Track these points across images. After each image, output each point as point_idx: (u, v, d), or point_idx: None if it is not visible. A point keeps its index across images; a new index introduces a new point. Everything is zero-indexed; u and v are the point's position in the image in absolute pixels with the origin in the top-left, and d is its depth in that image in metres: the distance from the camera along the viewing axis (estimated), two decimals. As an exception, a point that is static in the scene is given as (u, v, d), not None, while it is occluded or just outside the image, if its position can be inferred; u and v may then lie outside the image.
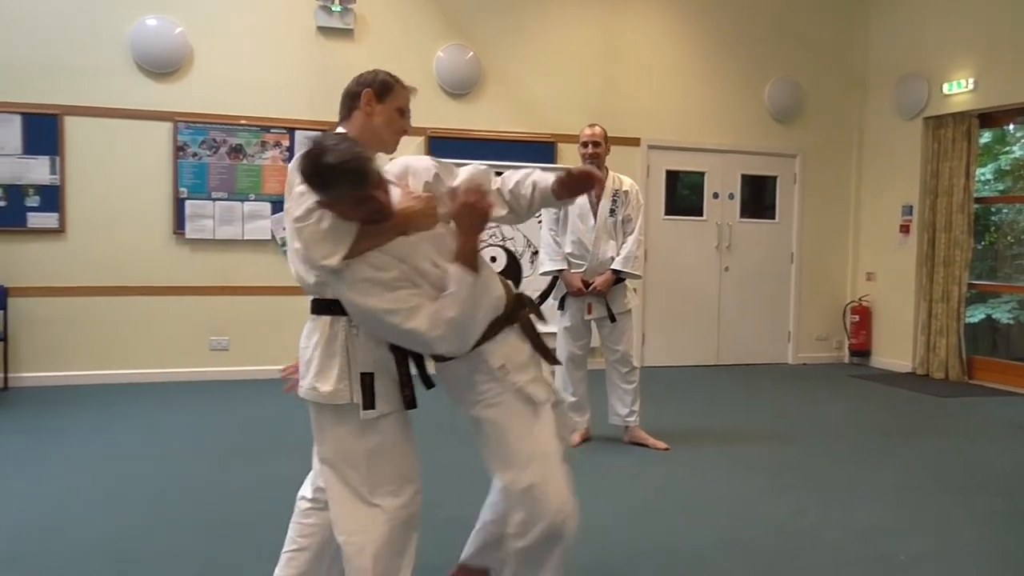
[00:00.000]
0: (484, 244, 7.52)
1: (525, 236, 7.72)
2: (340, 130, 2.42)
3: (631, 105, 8.04)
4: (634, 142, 8.03)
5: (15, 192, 6.54)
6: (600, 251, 4.93)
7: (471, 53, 7.58)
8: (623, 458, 4.79)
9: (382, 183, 2.16)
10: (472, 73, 7.60)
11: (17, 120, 6.51)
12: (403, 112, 2.51)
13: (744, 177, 8.57)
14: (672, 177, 8.40)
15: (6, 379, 6.48)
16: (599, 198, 4.96)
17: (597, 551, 3.33)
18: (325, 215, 2.12)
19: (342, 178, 2.05)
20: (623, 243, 4.95)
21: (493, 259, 7.66)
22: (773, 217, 8.71)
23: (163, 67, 6.79)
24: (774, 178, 8.70)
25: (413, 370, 2.40)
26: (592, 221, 4.95)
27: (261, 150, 7.04)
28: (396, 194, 2.22)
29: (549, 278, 5.39)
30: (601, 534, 3.53)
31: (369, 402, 2.29)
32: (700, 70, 8.33)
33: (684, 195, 8.55)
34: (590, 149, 4.93)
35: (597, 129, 4.96)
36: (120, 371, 6.77)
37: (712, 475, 4.48)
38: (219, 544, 3.35)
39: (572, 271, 4.98)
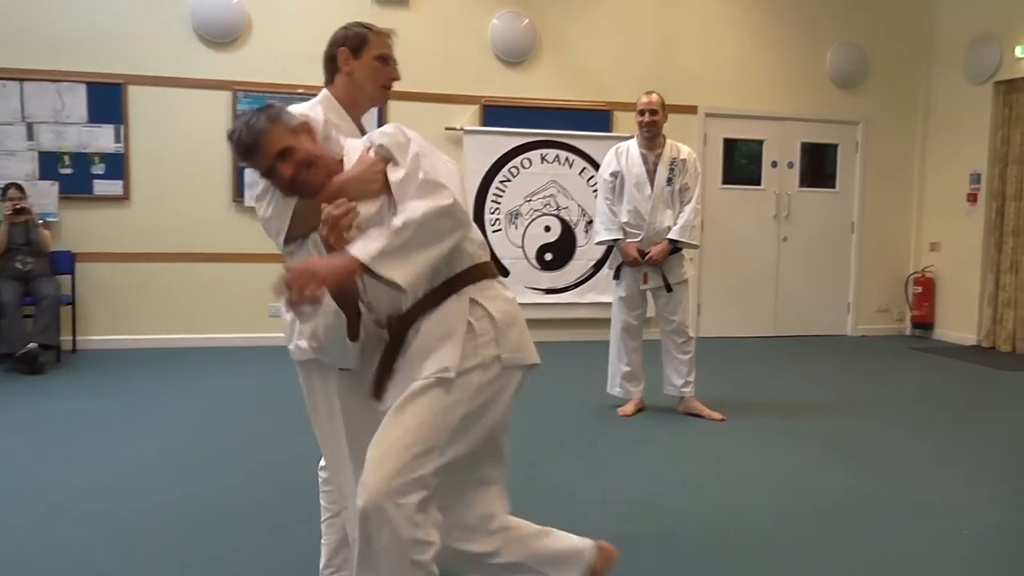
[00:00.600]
0: (538, 214, 7.55)
1: (580, 205, 7.68)
2: (324, 93, 2.39)
3: (688, 72, 7.90)
4: (691, 110, 7.90)
5: (81, 160, 6.70)
6: (657, 220, 4.88)
7: (526, 20, 7.51)
8: (678, 429, 4.78)
9: (302, 156, 2.00)
10: (527, 40, 7.53)
11: (82, 89, 6.65)
12: (386, 59, 2.42)
13: (804, 145, 8.39)
14: (730, 145, 8.26)
15: (74, 342, 6.68)
16: (656, 166, 4.91)
17: (650, 522, 3.34)
18: (275, 191, 2.08)
19: (239, 152, 2.03)
20: (680, 212, 4.89)
21: (547, 228, 7.64)
22: (833, 186, 8.52)
23: (222, 36, 6.86)
24: (835, 146, 8.50)
25: None
26: (649, 190, 4.90)
27: (318, 119, 7.08)
28: (350, 163, 2.10)
29: (603, 248, 5.38)
30: (654, 505, 3.53)
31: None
32: (760, 35, 8.14)
33: (742, 164, 8.41)
34: (647, 117, 4.87)
35: (654, 97, 4.90)
36: (182, 335, 6.93)
37: (768, 447, 4.44)
38: (276, 505, 3.42)
39: (628, 241, 4.95)
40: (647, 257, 4.88)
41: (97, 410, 4.95)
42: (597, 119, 7.71)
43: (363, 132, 2.38)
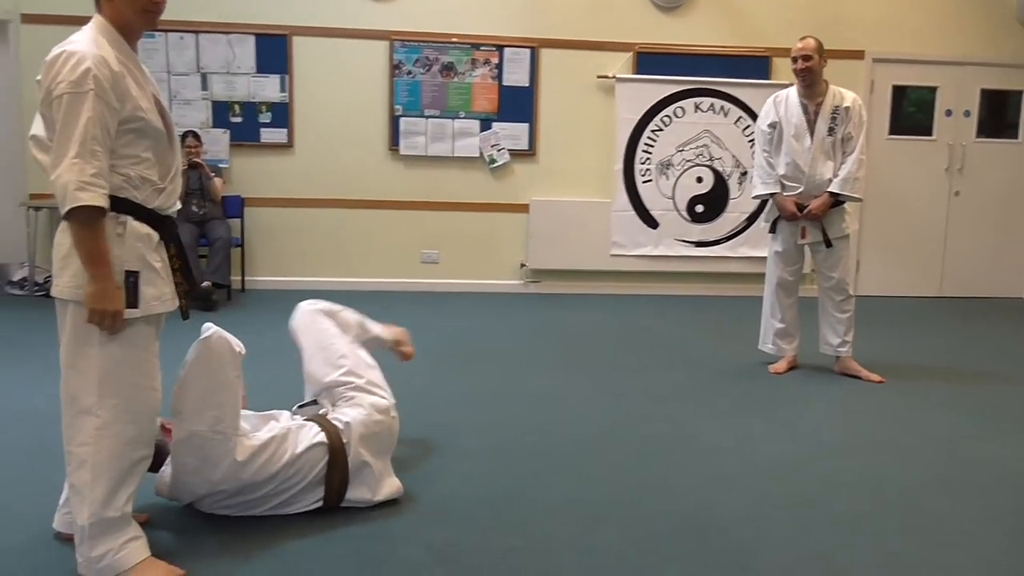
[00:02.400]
0: (690, 164, 7.39)
1: (734, 156, 7.45)
2: (90, 27, 2.31)
3: (855, 14, 7.45)
4: (857, 55, 7.46)
5: (249, 109, 7.05)
6: (816, 172, 4.68)
7: (684, -37, 7.28)
8: (832, 388, 4.62)
9: None
10: (685, -16, 7.31)
11: (251, 40, 6.96)
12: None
13: (983, 92, 7.79)
14: (899, 93, 7.76)
15: (243, 281, 7.10)
16: (817, 115, 4.69)
17: (795, 483, 3.26)
18: None
19: None
20: (842, 163, 4.67)
21: (699, 179, 7.47)
22: (1015, 136, 7.88)
23: (381, -13, 7.01)
24: (1019, 93, 7.84)
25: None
26: (808, 141, 4.69)
27: (471, 68, 7.16)
28: None
29: (758, 201, 5.22)
30: (805, 464, 3.45)
31: (132, 300, 2.22)
32: (939, -27, 7.57)
33: (910, 113, 7.90)
34: (800, 64, 4.65)
35: (809, 41, 4.66)
36: (339, 279, 7.23)
37: (927, 412, 4.23)
38: (428, 446, 3.55)
39: (786, 194, 4.77)
40: (806, 211, 4.70)
41: (263, 345, 5.25)
42: (755, 66, 7.41)
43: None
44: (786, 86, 5.00)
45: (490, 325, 6.08)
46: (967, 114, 7.76)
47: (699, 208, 7.50)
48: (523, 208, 7.32)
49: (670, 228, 7.46)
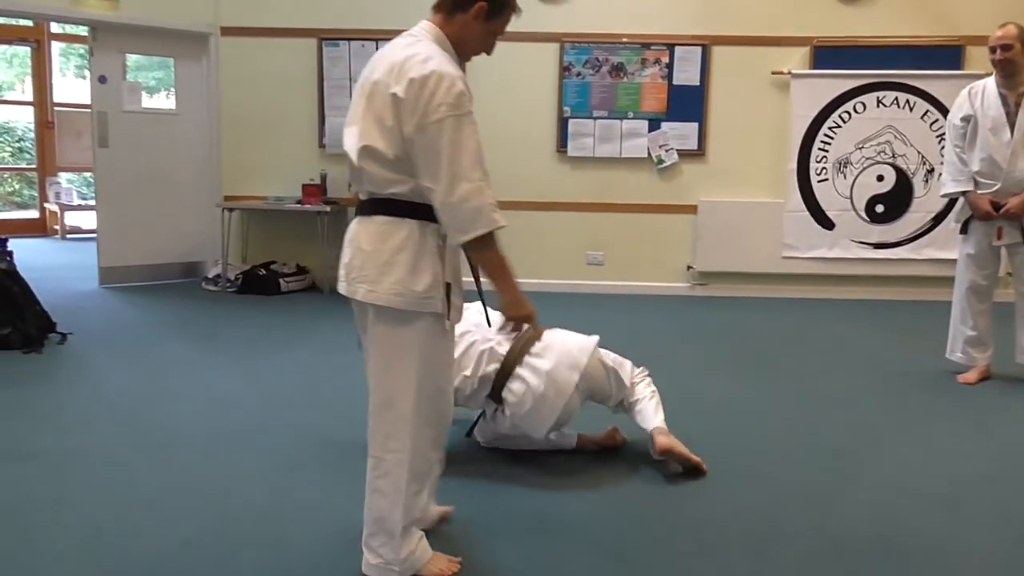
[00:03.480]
0: (870, 162, 7.03)
1: (920, 152, 7.03)
2: (429, 24, 2.38)
3: (1063, -3, 6.87)
4: (1064, 41, 6.87)
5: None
6: (1016, 169, 4.35)
7: (867, -50, 6.94)
8: (1031, 402, 4.29)
9: None
10: (867, -27, 6.96)
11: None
12: (497, 35, 2.42)
13: None
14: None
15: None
16: (1018, 108, 4.36)
17: (990, 500, 3.05)
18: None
19: None
20: (1047, 158, 4.32)
21: (880, 177, 7.10)
22: None
23: (552, -10, 7.08)
24: None
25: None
26: (1008, 135, 4.37)
27: (641, 68, 7.12)
28: None
29: (945, 200, 4.91)
30: (997, 482, 3.21)
31: (450, 313, 2.28)
32: None
33: None
34: (998, 54, 4.34)
35: (1009, 29, 4.33)
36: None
37: None
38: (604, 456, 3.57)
39: (980, 192, 4.46)
40: (1003, 210, 4.38)
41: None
42: (945, 56, 6.96)
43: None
44: (981, 76, 4.69)
45: (658, 327, 6.02)
46: None
47: (879, 208, 7.13)
48: (691, 209, 7.20)
49: (847, 229, 7.13)
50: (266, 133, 7.38)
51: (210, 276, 7.29)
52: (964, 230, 4.62)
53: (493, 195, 2.20)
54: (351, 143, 2.27)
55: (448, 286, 2.27)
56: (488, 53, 2.44)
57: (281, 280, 7.06)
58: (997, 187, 4.42)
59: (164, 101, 7.64)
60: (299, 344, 5.33)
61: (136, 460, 3.29)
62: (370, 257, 2.24)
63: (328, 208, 6.97)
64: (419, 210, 2.22)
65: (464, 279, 2.40)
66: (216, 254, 7.34)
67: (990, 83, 4.48)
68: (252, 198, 7.34)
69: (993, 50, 4.38)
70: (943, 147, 4.87)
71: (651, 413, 3.28)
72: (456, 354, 2.88)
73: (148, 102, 7.57)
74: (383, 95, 2.20)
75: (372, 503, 2.34)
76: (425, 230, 2.23)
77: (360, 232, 2.29)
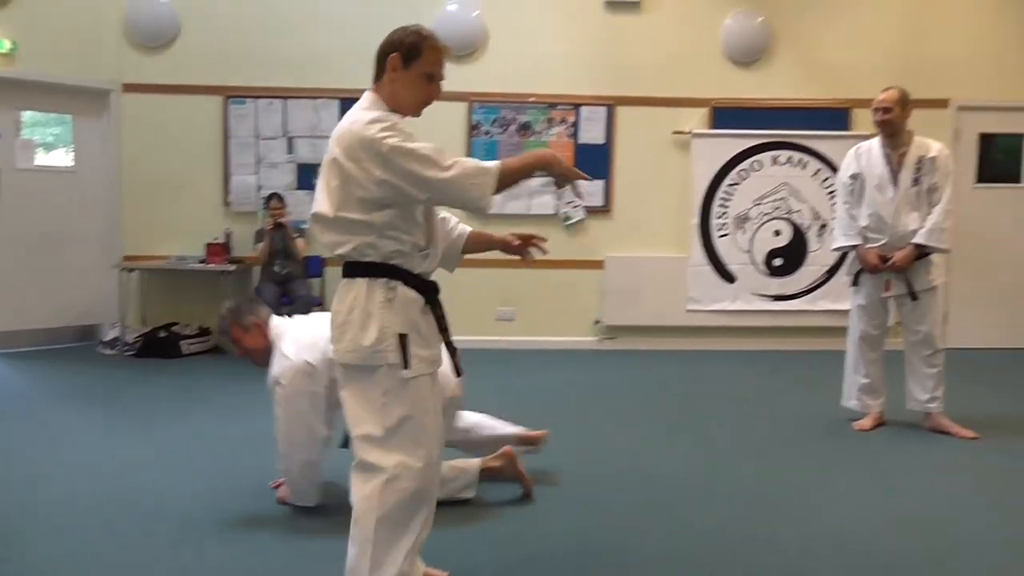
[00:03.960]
0: (768, 217, 7.30)
1: (813, 208, 7.35)
2: (367, 93, 2.41)
3: (939, 62, 7.33)
4: (941, 104, 7.32)
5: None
6: (900, 224, 4.58)
7: (760, 18, 7.29)
8: (923, 445, 4.45)
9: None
10: (761, 39, 7.31)
11: (335, 105, 7.20)
12: (432, 78, 2.39)
13: (1075, 138, 7.55)
14: (986, 141, 7.57)
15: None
16: (900, 166, 4.61)
17: (895, 545, 3.14)
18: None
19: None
20: (928, 214, 4.56)
21: (777, 232, 7.37)
22: (1110, 183, 7.60)
23: (462, 49, 7.17)
24: (1113, 138, 7.58)
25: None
26: (891, 192, 4.61)
27: (548, 126, 7.27)
28: None
29: (838, 254, 5.13)
30: (898, 527, 3.31)
31: (406, 363, 2.28)
32: (1022, 15, 7.41)
33: (998, 160, 7.68)
34: (880, 116, 4.60)
35: (890, 93, 4.60)
36: (419, 336, 7.29)
37: (1029, 472, 4.04)
38: (511, 506, 3.54)
39: (868, 246, 4.68)
40: (889, 263, 4.59)
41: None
42: (834, 117, 7.34)
43: None
44: (867, 137, 4.95)
45: (568, 381, 6.06)
46: (1058, 162, 7.52)
47: (777, 261, 7.40)
48: (598, 264, 7.33)
49: (748, 282, 7.37)
50: (170, 191, 7.22)
51: (107, 339, 7.02)
52: (855, 282, 4.82)
53: (472, 162, 2.29)
54: None
55: (403, 337, 2.28)
56: (434, 97, 2.44)
57: (183, 342, 6.85)
58: (884, 241, 4.64)
59: (62, 158, 7.39)
60: (201, 408, 5.17)
61: (30, 532, 3.12)
62: (333, 319, 2.35)
63: (233, 267, 6.85)
64: (366, 268, 2.30)
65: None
66: (114, 316, 7.10)
67: (875, 143, 4.73)
68: (154, 257, 7.14)
69: (876, 111, 4.64)
70: (834, 203, 5.09)
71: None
72: None
73: (44, 159, 7.31)
74: (327, 162, 2.33)
75: (349, 552, 2.33)
76: (373, 286, 2.29)
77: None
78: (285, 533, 3.17)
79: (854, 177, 4.74)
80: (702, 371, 6.48)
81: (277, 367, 3.28)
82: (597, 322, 7.39)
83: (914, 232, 4.55)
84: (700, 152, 7.31)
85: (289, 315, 6.68)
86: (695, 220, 7.34)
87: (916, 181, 4.57)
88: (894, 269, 4.59)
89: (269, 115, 7.21)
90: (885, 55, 7.29)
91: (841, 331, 5.10)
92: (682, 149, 7.33)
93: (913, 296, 4.61)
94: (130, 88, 7.14)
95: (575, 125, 7.27)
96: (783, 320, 7.39)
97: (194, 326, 7.08)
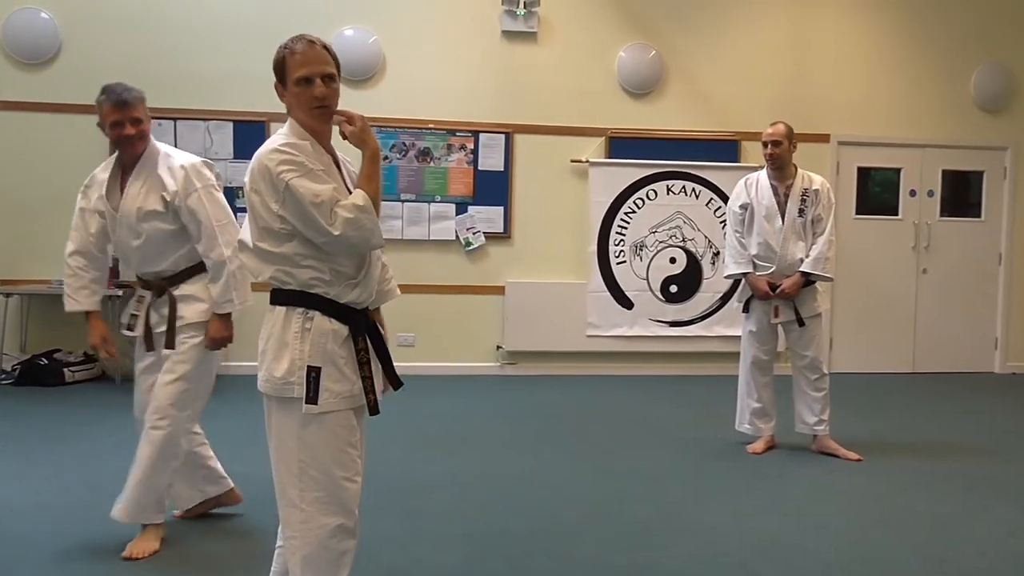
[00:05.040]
0: (663, 245, 7.48)
1: (706, 237, 7.57)
2: (291, 123, 2.33)
3: (821, 99, 7.70)
4: (823, 138, 7.69)
5: (228, 193, 6.99)
6: (788, 253, 4.76)
7: (653, 51, 7.51)
8: (811, 468, 4.61)
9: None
10: (654, 72, 7.52)
11: (229, 127, 7.04)
12: (308, 80, 2.25)
13: (945, 173, 8.02)
14: (864, 174, 7.98)
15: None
16: (787, 197, 4.80)
17: (783, 563, 3.22)
18: None
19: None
20: (813, 244, 4.76)
21: (673, 260, 7.56)
22: (979, 215, 8.10)
23: (359, 75, 7.13)
24: (980, 173, 8.08)
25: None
26: (780, 222, 4.79)
27: (447, 153, 7.28)
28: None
29: (731, 280, 5.28)
30: (787, 546, 3.41)
31: (312, 397, 2.18)
32: (897, 58, 7.86)
33: (876, 193, 8.10)
34: (769, 149, 4.79)
35: (779, 127, 4.80)
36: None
37: (909, 489, 4.22)
38: (406, 534, 3.49)
39: (758, 274, 4.84)
40: (778, 290, 4.76)
41: (241, 435, 5.18)
42: (724, 149, 7.60)
43: (335, 157, 2.40)
44: (755, 168, 5.13)
45: (468, 407, 6.04)
46: (931, 194, 7.98)
47: (673, 288, 7.58)
48: (499, 290, 7.36)
49: (645, 308, 7.52)
50: (49, 213, 6.87)
51: (-18, 368, 6.63)
52: (746, 309, 4.98)
53: (349, 203, 2.18)
54: None
55: (315, 370, 2.18)
56: (321, 96, 2.27)
57: (66, 370, 6.53)
58: (772, 269, 4.81)
59: (-69, 178, 6.96)
60: (83, 438, 4.92)
61: None
62: (259, 346, 2.28)
63: (120, 292, 6.56)
64: (286, 296, 2.24)
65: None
66: (-12, 344, 6.71)
67: (763, 175, 4.91)
68: (33, 282, 6.79)
69: (766, 144, 4.82)
70: (726, 232, 5.25)
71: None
72: None
73: (-90, 179, 6.88)
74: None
75: None
76: (290, 315, 2.22)
77: None
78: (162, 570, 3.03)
79: (744, 207, 4.90)
80: (601, 396, 6.56)
81: None
82: (499, 347, 7.40)
83: (801, 261, 4.73)
84: (597, 180, 7.44)
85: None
86: (593, 247, 7.45)
87: (801, 212, 4.77)
88: (783, 296, 4.76)
89: (158, 135, 6.89)
90: (771, 91, 7.60)
91: (735, 356, 5.25)
92: (580, 177, 7.45)
93: (800, 322, 4.78)
94: (5, 106, 6.80)
95: (475, 152, 7.31)
96: (679, 346, 7.56)
97: (79, 353, 6.76)
